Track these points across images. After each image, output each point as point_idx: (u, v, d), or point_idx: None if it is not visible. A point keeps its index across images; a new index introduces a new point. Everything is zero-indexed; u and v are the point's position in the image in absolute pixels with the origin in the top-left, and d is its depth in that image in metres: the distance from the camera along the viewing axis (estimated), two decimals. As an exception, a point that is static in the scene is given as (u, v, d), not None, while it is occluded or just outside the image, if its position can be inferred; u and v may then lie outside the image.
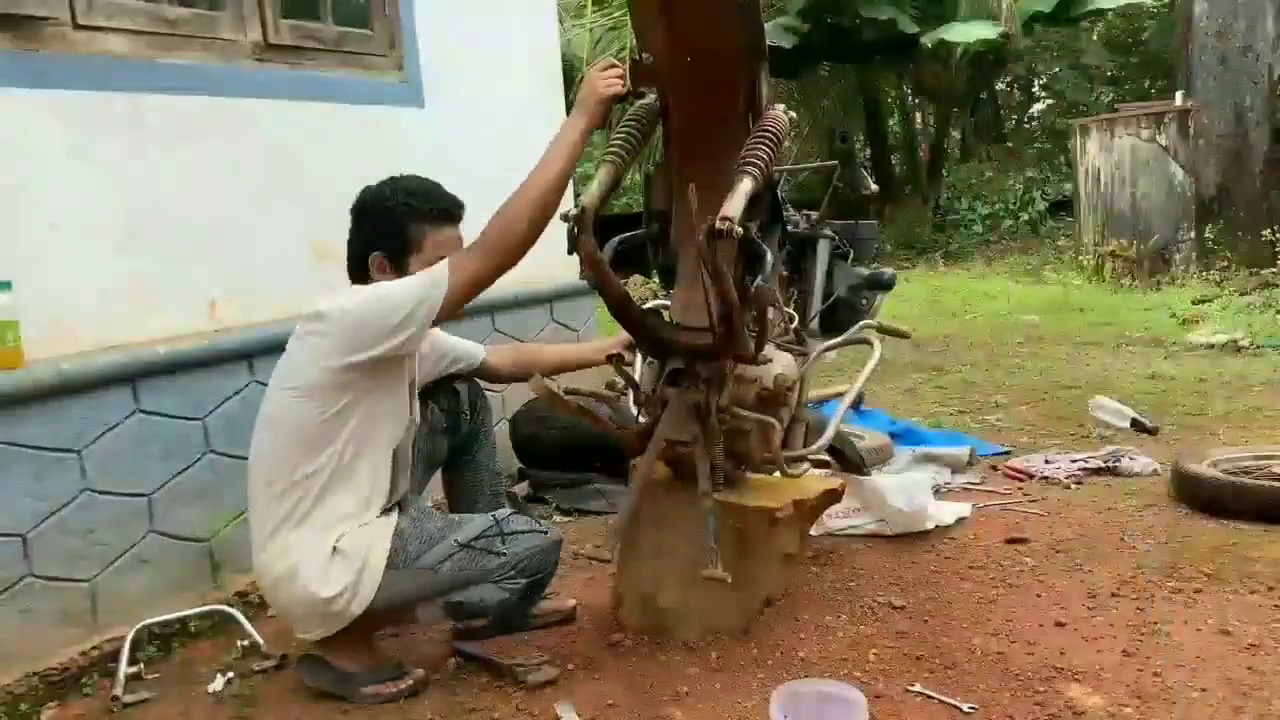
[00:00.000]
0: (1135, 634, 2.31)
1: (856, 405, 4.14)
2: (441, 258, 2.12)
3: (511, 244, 2.08)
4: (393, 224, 2.18)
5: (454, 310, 2.10)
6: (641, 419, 2.38)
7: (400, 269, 2.18)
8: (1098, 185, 8.86)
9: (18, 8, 2.39)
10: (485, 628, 2.37)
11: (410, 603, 2.24)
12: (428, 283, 2.06)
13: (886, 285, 3.02)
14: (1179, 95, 8.69)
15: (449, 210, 2.23)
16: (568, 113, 4.85)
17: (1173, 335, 6.25)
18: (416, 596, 2.22)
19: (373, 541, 2.13)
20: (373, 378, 2.11)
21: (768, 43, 2.20)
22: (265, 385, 2.85)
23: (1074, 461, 3.63)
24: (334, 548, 2.10)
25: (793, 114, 2.20)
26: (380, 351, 2.06)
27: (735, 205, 1.95)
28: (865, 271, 3.01)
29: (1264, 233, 7.85)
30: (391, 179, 2.26)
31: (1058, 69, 14.27)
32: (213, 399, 2.75)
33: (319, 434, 2.10)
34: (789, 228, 2.72)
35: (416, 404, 2.31)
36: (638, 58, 2.20)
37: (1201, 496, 3.10)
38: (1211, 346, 5.79)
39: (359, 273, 2.24)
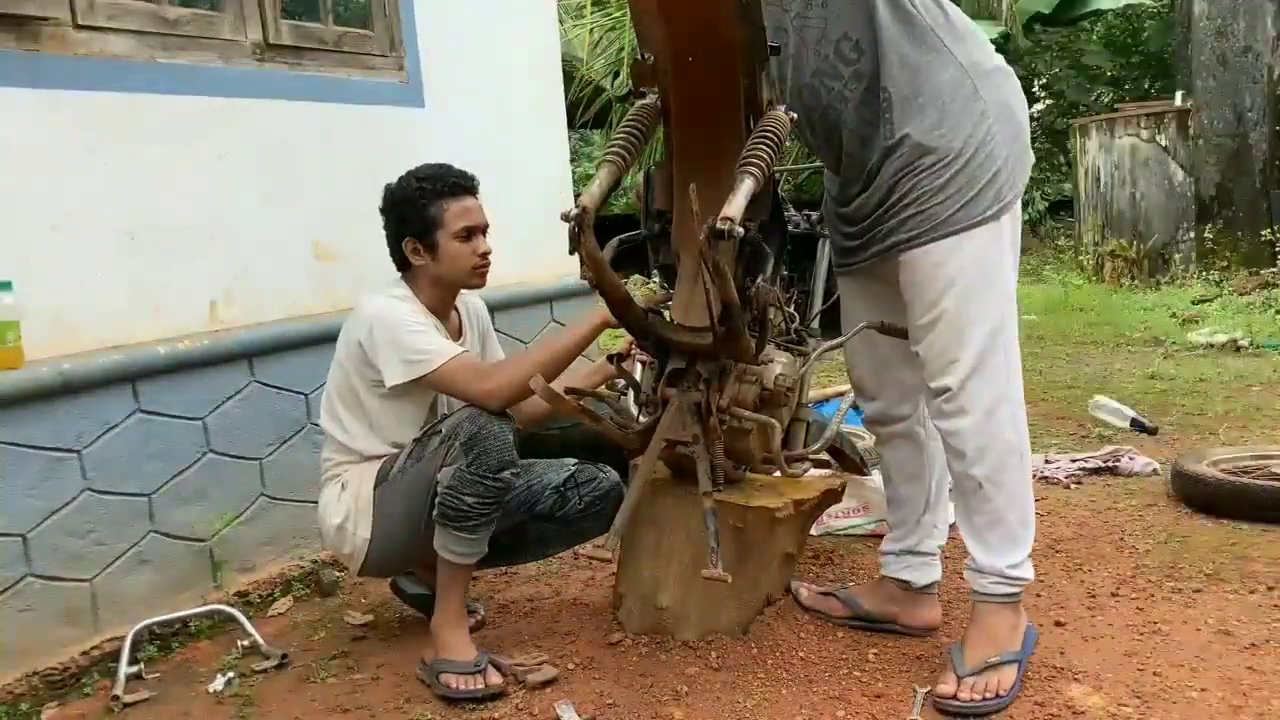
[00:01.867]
0: (1135, 634, 2.32)
1: (856, 405, 4.13)
2: (465, 227, 2.34)
3: (498, 389, 2.23)
4: (414, 208, 2.35)
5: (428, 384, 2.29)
6: (642, 419, 2.38)
7: (431, 247, 2.34)
8: (1097, 185, 8.86)
9: (18, 8, 2.39)
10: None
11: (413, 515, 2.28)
12: (423, 356, 2.24)
13: (887, 285, 3.01)
14: (1179, 95, 8.69)
15: (459, 184, 2.38)
16: (567, 113, 4.86)
17: (1173, 335, 6.25)
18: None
19: (362, 475, 2.35)
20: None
21: (769, 43, 2.20)
22: (265, 385, 2.88)
23: (1074, 461, 3.63)
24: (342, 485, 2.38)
25: (793, 114, 2.19)
26: (368, 386, 2.33)
27: (736, 205, 1.95)
28: (866, 271, 3.01)
29: (1264, 233, 7.85)
30: (406, 172, 2.42)
31: (1058, 69, 14.26)
32: (213, 399, 2.75)
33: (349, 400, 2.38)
34: (790, 228, 2.72)
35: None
36: (639, 57, 2.20)
37: (1201, 496, 3.11)
38: (1211, 346, 5.80)
39: (401, 261, 2.41)
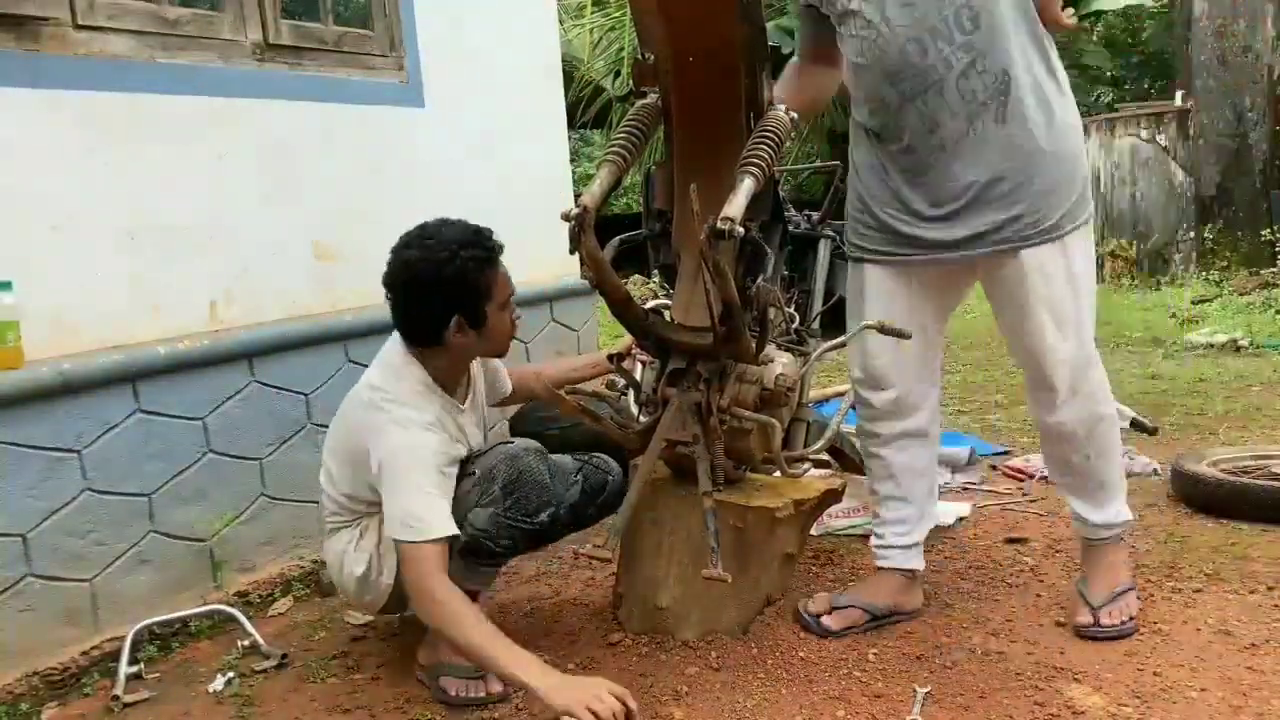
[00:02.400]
0: (1135, 634, 2.31)
1: (855, 406, 4.13)
2: (508, 295, 2.20)
3: (424, 605, 2.04)
4: (467, 282, 2.12)
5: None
6: (642, 419, 2.38)
7: (478, 324, 2.15)
8: (1097, 185, 8.86)
9: (18, 8, 2.39)
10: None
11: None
12: (418, 524, 2.04)
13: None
14: (1179, 95, 8.69)
15: (494, 249, 2.16)
16: (567, 113, 4.83)
17: (1173, 335, 6.25)
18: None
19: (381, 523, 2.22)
20: None
21: (769, 43, 2.20)
22: (265, 385, 2.88)
23: (1074, 461, 3.62)
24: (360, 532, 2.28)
25: (794, 114, 2.20)
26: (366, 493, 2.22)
27: (737, 205, 1.95)
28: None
29: (1264, 233, 7.86)
30: (422, 237, 2.15)
31: (1057, 69, 14.31)
32: (213, 399, 2.75)
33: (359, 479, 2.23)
34: (790, 228, 2.72)
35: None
36: (639, 57, 2.20)
37: (1201, 496, 3.11)
38: (1211, 346, 5.80)
39: (433, 335, 2.16)
